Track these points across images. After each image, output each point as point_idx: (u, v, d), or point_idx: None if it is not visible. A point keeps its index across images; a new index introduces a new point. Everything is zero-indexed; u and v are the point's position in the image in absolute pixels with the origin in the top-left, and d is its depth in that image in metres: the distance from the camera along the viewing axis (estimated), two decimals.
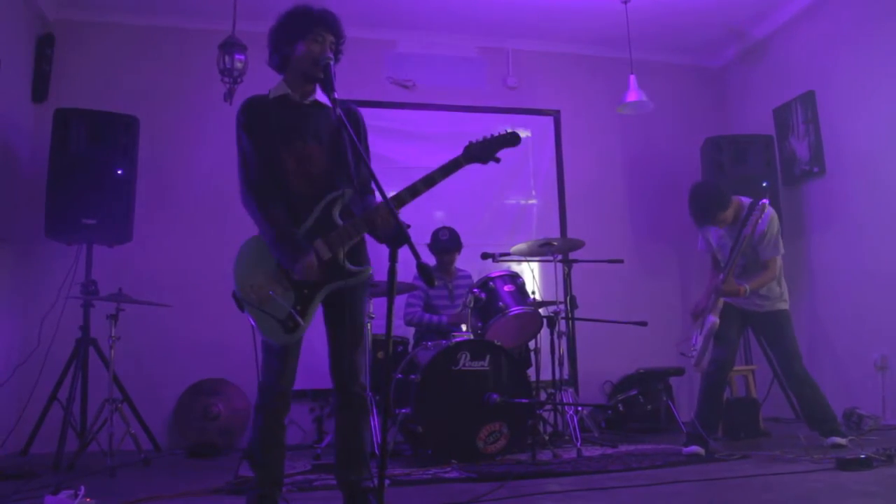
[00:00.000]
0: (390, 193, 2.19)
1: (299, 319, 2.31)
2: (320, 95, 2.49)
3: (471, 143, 2.45)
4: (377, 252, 2.39)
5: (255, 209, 2.38)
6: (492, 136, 2.46)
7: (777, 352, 3.90)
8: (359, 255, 2.45)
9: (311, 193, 2.40)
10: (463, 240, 4.84)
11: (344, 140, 2.44)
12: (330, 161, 2.43)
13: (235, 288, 2.37)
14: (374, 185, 2.22)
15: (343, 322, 2.44)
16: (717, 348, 3.83)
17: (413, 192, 2.37)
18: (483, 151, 2.44)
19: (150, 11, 5.33)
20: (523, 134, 5.98)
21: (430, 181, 2.38)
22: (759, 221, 3.65)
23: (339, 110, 2.34)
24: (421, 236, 4.72)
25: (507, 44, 6.02)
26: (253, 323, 2.35)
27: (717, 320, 3.73)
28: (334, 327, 2.47)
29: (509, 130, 2.47)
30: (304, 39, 2.40)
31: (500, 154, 2.51)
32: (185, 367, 4.90)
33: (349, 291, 2.43)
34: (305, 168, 2.41)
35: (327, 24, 2.43)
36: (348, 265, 2.38)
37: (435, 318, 4.63)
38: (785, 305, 3.85)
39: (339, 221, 2.38)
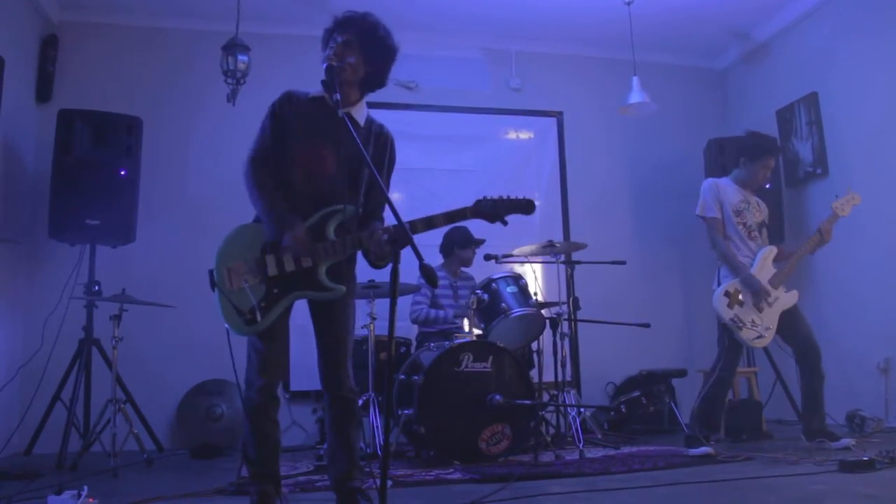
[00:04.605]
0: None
1: (258, 315, 2.31)
2: (357, 113, 2.51)
3: (484, 198, 2.38)
4: None
5: (250, 176, 2.40)
6: (507, 197, 2.39)
7: (786, 335, 3.88)
8: (341, 272, 2.42)
9: (312, 192, 2.40)
10: None
11: (363, 159, 2.44)
12: (340, 171, 2.40)
13: (214, 267, 2.40)
14: (388, 208, 2.17)
15: (329, 325, 2.45)
16: (729, 352, 3.80)
17: (412, 229, 2.33)
18: (493, 210, 2.38)
19: (154, 13, 5.34)
20: (525, 136, 6.03)
21: (430, 223, 2.36)
22: None
23: (358, 136, 2.31)
24: (422, 238, 4.71)
25: (511, 45, 6.01)
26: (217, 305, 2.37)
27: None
28: (321, 330, 2.48)
29: (526, 198, 2.40)
30: (324, 50, 2.46)
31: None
32: (188, 368, 4.90)
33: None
34: (315, 167, 2.41)
35: (338, 25, 2.46)
36: (325, 280, 2.37)
37: (441, 312, 4.64)
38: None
39: (332, 236, 2.37)
